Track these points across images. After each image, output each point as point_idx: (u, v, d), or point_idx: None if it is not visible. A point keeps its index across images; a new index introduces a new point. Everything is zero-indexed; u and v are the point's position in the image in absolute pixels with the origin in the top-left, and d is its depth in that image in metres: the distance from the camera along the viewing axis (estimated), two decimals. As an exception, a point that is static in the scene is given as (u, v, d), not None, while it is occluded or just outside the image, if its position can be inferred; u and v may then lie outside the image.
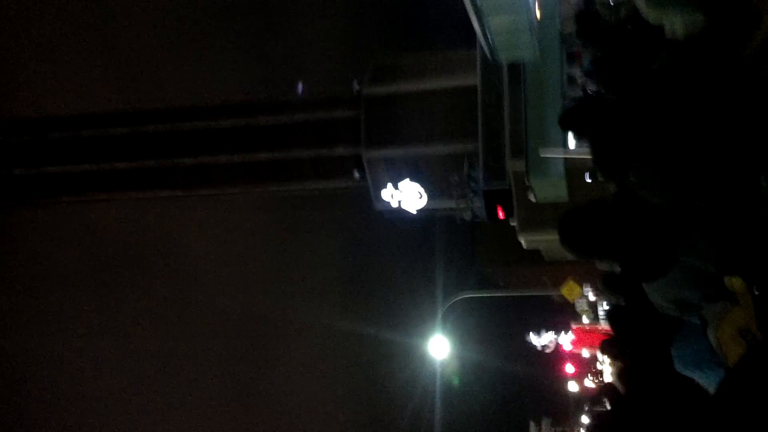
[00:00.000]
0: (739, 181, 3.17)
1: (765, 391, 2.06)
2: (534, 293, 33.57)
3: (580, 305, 25.45)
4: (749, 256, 3.22)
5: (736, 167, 3.10)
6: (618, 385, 5.65)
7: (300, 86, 30.06)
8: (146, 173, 32.28)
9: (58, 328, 49.88)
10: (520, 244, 28.75)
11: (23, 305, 48.99)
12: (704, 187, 3.22)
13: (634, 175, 3.41)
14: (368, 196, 29.76)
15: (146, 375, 52.05)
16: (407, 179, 27.55)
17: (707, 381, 3.78)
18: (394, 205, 27.62)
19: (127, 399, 51.46)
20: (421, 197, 27.42)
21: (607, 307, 21.60)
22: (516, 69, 23.95)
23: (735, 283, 2.66)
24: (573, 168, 22.67)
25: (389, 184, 27.63)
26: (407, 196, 27.47)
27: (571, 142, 21.58)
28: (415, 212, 27.87)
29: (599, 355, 24.15)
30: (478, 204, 26.60)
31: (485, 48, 22.05)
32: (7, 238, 44.98)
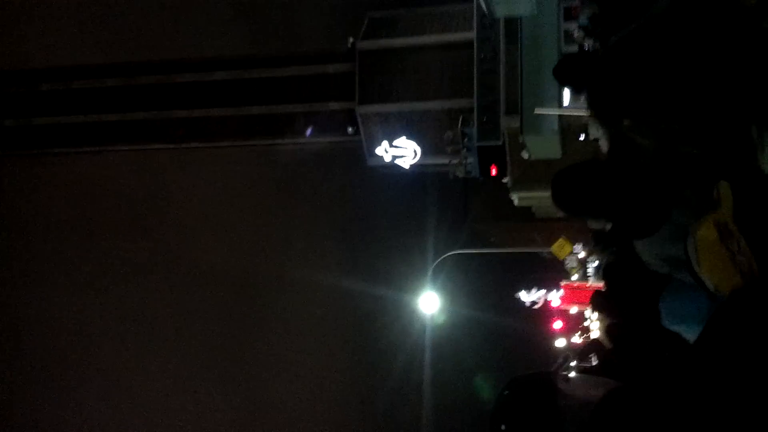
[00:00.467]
0: (731, 128, 3.21)
1: (748, 331, 2.12)
2: (524, 250, 33.80)
3: (570, 262, 25.65)
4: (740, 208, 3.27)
5: (728, 114, 3.14)
6: (605, 340, 5.75)
7: (310, 131, 29.88)
8: (138, 125, 32.12)
9: (47, 282, 49.98)
10: (511, 201, 28.87)
11: (12, 258, 49.00)
12: (697, 130, 3.26)
13: (630, 117, 3.43)
14: (361, 152, 29.73)
15: (136, 332, 52.38)
16: (404, 137, 27.52)
17: (693, 336, 3.87)
18: (388, 160, 27.62)
19: (117, 357, 51.84)
20: (416, 155, 27.44)
21: (596, 265, 21.80)
22: (512, 24, 23.78)
23: (721, 187, 2.69)
24: (567, 126, 22.68)
25: (385, 141, 27.60)
26: (402, 152, 27.48)
27: (566, 99, 21.54)
28: (408, 168, 27.90)
29: (587, 312, 24.44)
30: (471, 161, 26.61)
31: (482, 2, 21.86)
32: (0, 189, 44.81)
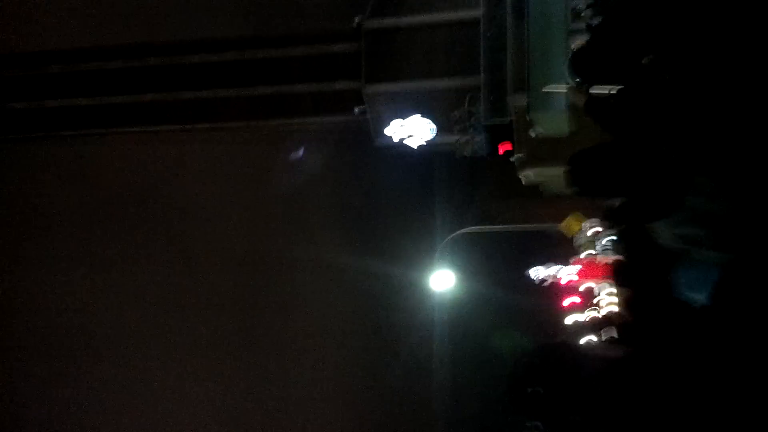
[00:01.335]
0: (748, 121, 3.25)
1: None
2: (533, 228, 33.87)
3: (579, 239, 25.70)
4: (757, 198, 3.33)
5: (744, 106, 3.19)
6: (625, 312, 5.82)
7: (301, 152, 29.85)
8: (144, 107, 32.20)
9: (55, 267, 50.12)
10: (519, 180, 28.90)
11: (19, 242, 49.15)
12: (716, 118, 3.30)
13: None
14: (368, 132, 29.72)
15: (145, 317, 52.56)
16: (411, 116, 27.49)
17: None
18: (396, 140, 27.63)
19: (126, 343, 52.06)
20: (430, 133, 27.38)
21: (605, 241, 21.88)
22: (520, 2, 23.71)
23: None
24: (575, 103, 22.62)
25: (392, 121, 27.58)
26: (416, 131, 27.45)
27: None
28: (416, 148, 27.91)
29: (596, 288, 24.54)
30: (479, 139, 26.62)
31: (489, -20, 21.79)
32: (6, 172, 44.92)
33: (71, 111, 32.55)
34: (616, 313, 7.12)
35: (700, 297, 4.09)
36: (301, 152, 30.15)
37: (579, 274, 25.12)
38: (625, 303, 5.64)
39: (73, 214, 49.93)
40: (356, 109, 29.24)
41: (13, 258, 48.80)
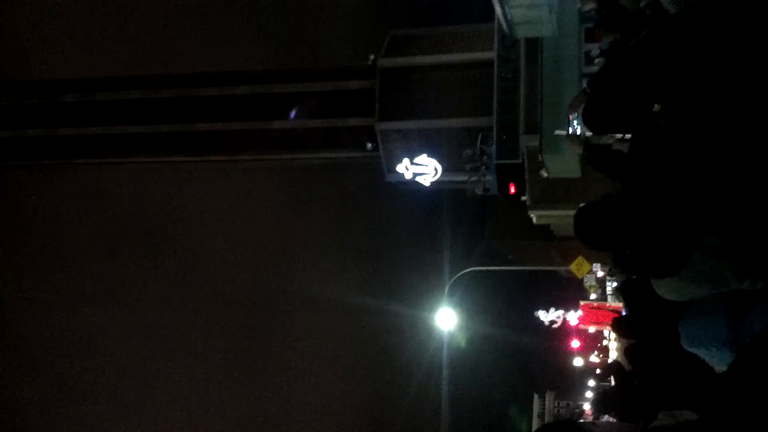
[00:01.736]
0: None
1: None
2: (542, 268, 33.74)
3: (589, 281, 25.63)
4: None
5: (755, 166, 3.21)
6: (624, 361, 5.81)
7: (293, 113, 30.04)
8: (160, 138, 32.44)
9: (65, 293, 50.21)
10: (530, 219, 28.89)
11: (30, 269, 49.26)
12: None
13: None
14: (379, 168, 29.86)
15: (153, 345, 52.46)
16: (425, 154, 27.64)
17: (713, 359, 3.95)
18: (408, 177, 27.72)
19: (134, 369, 51.91)
20: (437, 172, 27.53)
21: (615, 285, 21.78)
22: (533, 44, 23.91)
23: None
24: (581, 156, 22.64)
25: (406, 158, 27.71)
26: (423, 170, 27.58)
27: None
28: (428, 185, 27.99)
29: (605, 332, 24.39)
30: (490, 178, 26.68)
31: (503, 22, 22.02)
32: (19, 198, 45.26)
33: (88, 139, 32.83)
34: (616, 361, 7.07)
35: (708, 351, 4.06)
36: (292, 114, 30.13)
37: (581, 318, 24.99)
38: (625, 352, 5.65)
39: (83, 241, 50.17)
40: (368, 145, 29.41)
41: (21, 284, 48.97)
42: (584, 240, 3.73)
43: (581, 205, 3.84)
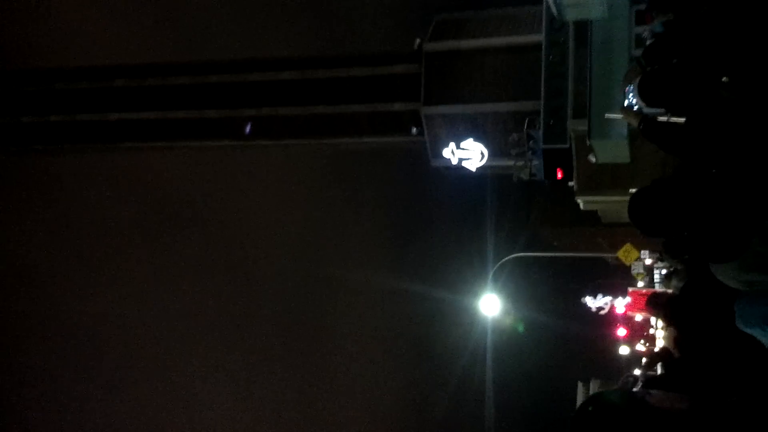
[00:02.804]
0: None
1: None
2: (589, 255, 33.32)
3: (636, 269, 25.24)
4: None
5: None
6: (673, 348, 5.71)
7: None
8: (208, 123, 32.82)
9: (105, 280, 51.05)
10: (576, 205, 28.52)
11: (72, 255, 50.16)
12: None
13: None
14: (423, 153, 29.76)
15: (194, 332, 53.14)
16: (471, 139, 27.45)
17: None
18: (455, 162, 27.57)
19: (175, 357, 52.67)
20: (483, 157, 27.32)
21: (664, 271, 21.42)
22: (583, 27, 23.48)
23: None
24: (637, 131, 22.26)
25: (452, 143, 27.55)
26: (470, 154, 27.40)
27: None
28: (474, 170, 27.81)
29: (652, 320, 24.01)
30: (537, 163, 26.39)
31: (552, 5, 21.68)
32: (68, 182, 46.17)
33: (136, 124, 33.37)
34: (664, 348, 6.94)
35: (765, 331, 3.97)
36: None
37: (628, 306, 24.63)
38: (674, 340, 5.52)
39: (128, 226, 51.01)
40: (414, 130, 29.31)
41: (62, 268, 49.96)
42: (639, 226, 3.62)
43: (633, 191, 3.74)
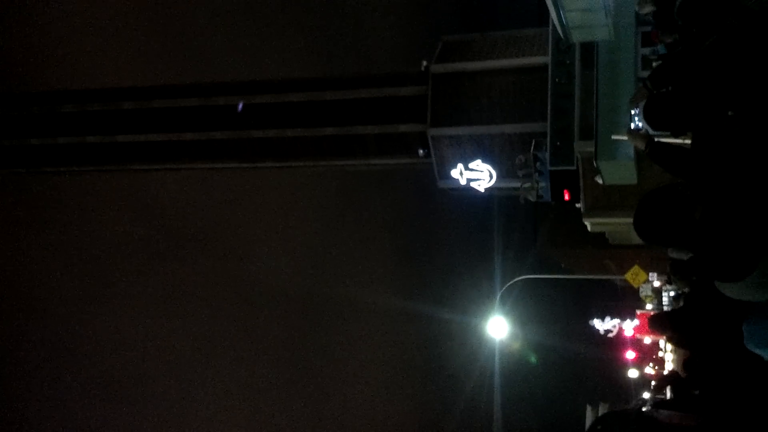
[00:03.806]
0: None
1: None
2: (597, 277, 33.14)
3: (644, 291, 25.07)
4: None
5: None
6: (681, 371, 5.62)
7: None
8: (214, 144, 32.89)
9: (110, 302, 50.99)
10: (583, 226, 28.41)
11: (83, 277, 50.17)
12: None
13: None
14: (430, 174, 29.74)
15: (202, 353, 52.98)
16: (479, 160, 27.44)
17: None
18: (463, 183, 27.53)
19: (181, 378, 52.49)
20: (492, 177, 27.30)
21: (672, 294, 21.26)
22: (589, 49, 23.53)
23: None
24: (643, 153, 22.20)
25: (460, 164, 27.55)
26: (478, 175, 27.37)
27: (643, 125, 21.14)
28: (483, 191, 27.76)
29: (661, 343, 23.81)
30: (544, 185, 26.33)
31: (558, 27, 21.73)
32: (73, 204, 46.28)
33: (143, 146, 33.47)
34: (673, 371, 6.85)
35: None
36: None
37: (636, 329, 24.44)
38: (682, 363, 5.44)
39: (134, 247, 51.05)
40: (421, 151, 29.30)
41: (70, 289, 49.91)
42: (643, 231, 3.55)
43: (642, 197, 3.66)
